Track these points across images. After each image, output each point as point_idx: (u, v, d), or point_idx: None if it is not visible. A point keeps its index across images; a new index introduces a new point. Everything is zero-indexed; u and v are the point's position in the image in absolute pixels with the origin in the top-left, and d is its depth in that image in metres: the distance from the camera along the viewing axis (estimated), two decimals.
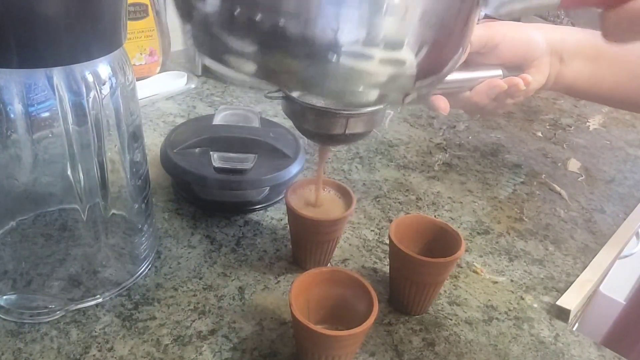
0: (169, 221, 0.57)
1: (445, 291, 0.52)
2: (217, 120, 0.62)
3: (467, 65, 0.51)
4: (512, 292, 0.53)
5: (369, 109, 0.44)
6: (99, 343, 0.42)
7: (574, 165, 0.79)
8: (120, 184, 0.46)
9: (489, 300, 0.52)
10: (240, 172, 0.56)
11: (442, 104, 0.51)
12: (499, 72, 0.53)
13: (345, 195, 0.51)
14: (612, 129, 0.92)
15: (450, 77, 0.51)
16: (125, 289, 0.47)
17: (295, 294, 0.40)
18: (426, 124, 0.85)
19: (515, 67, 0.53)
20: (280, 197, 0.61)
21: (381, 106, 0.45)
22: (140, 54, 0.81)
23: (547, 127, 0.90)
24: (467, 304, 0.51)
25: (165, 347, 0.43)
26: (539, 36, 0.53)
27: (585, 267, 0.58)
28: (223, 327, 0.45)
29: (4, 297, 0.44)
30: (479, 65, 0.52)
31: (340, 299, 0.43)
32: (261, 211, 0.60)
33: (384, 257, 0.55)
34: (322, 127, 0.44)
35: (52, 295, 0.45)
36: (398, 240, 0.45)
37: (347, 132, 0.43)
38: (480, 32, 0.51)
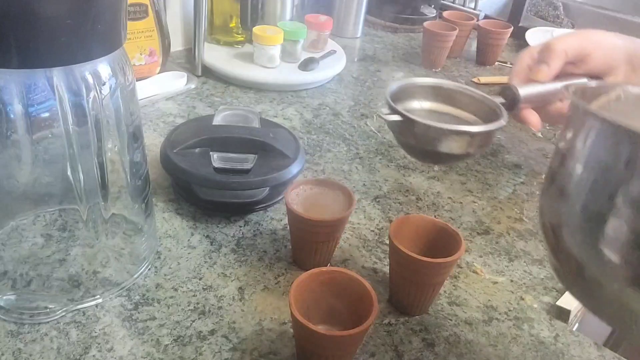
0: (169, 221, 0.57)
1: (445, 291, 0.52)
2: (217, 120, 0.62)
3: (557, 76, 0.52)
4: (512, 293, 0.53)
5: (493, 126, 0.44)
6: (99, 343, 0.42)
7: None
8: (120, 184, 0.46)
9: (489, 300, 0.52)
10: (240, 172, 0.56)
11: (534, 119, 0.51)
12: (585, 81, 0.53)
13: (345, 195, 0.51)
14: None
15: (541, 89, 0.51)
16: (125, 289, 0.47)
17: (295, 294, 0.40)
18: None
19: (596, 76, 0.54)
20: (280, 197, 0.61)
21: (501, 124, 0.45)
22: (140, 54, 0.81)
23: (547, 127, 0.90)
24: (467, 304, 0.51)
25: (165, 347, 0.43)
26: (621, 45, 0.53)
27: None
28: (223, 327, 0.45)
29: (4, 297, 0.44)
30: (568, 76, 0.53)
31: (340, 299, 0.43)
32: (261, 211, 0.60)
33: (384, 257, 0.55)
34: (449, 147, 0.43)
35: (52, 295, 0.45)
36: (398, 241, 0.45)
37: (469, 151, 0.43)
38: (575, 42, 0.51)
